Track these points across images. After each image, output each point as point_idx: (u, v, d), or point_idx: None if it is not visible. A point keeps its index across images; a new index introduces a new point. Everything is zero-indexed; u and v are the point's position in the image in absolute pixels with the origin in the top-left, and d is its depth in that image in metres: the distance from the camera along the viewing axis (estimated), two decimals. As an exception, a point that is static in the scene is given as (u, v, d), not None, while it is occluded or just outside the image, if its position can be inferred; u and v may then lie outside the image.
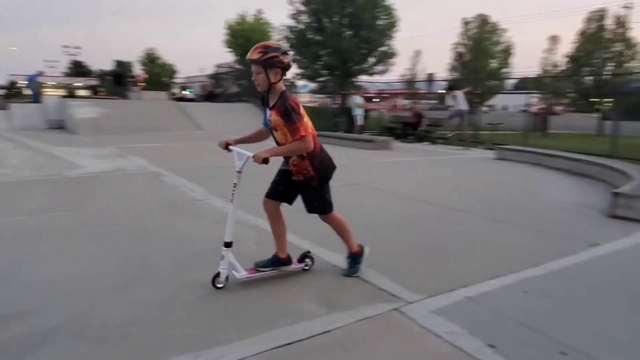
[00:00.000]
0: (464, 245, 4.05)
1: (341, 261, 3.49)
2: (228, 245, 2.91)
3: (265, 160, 2.67)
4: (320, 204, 3.08)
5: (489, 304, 2.82)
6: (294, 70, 26.67)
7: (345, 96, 19.62)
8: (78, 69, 49.28)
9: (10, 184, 6.13)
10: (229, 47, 33.26)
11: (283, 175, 3.11)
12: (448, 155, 11.35)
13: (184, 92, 31.10)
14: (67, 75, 45.57)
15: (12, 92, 35.52)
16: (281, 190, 3.11)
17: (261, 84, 2.83)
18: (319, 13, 21.72)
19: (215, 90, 27.41)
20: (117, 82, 24.96)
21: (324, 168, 3.01)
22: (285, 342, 2.31)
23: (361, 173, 7.89)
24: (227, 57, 33.56)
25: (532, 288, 3.09)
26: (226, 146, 3.13)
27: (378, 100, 28.92)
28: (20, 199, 5.37)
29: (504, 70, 29.56)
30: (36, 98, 17.57)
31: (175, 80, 47.30)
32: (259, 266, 3.10)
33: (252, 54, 2.75)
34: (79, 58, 50.01)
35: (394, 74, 32.38)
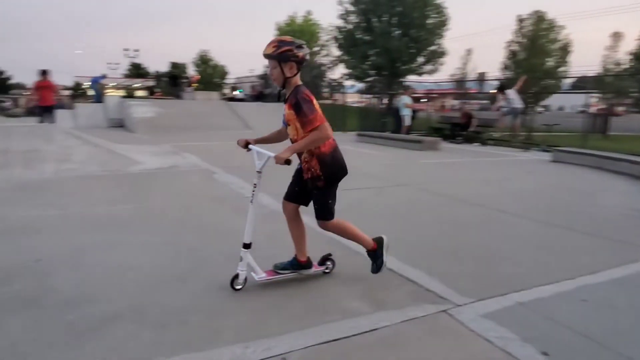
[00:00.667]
0: (516, 249, 3.93)
1: (389, 260, 3.48)
2: (247, 246, 2.89)
3: (288, 161, 2.61)
4: (319, 208, 2.93)
5: (543, 311, 2.73)
6: (341, 70, 26.77)
7: (392, 96, 19.45)
8: (137, 71, 51.77)
9: (78, 178, 6.56)
10: (278, 48, 33.76)
11: (298, 175, 3.04)
12: (499, 157, 10.99)
13: (234, 93, 31.96)
14: (127, 76, 47.98)
15: (78, 93, 37.90)
16: (296, 190, 3.04)
17: (277, 78, 2.78)
18: (368, 13, 21.64)
19: (264, 90, 27.94)
20: (172, 83, 26.04)
21: (333, 169, 2.86)
22: (331, 338, 2.34)
23: (408, 174, 7.81)
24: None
25: (590, 297, 2.96)
26: (246, 145, 3.08)
27: (426, 100, 28.45)
28: (86, 192, 5.74)
29: (561, 68, 28.22)
30: (99, 98, 18.68)
31: (227, 81, 48.61)
32: (278, 268, 3.05)
33: (267, 49, 2.70)
34: (137, 60, 52.48)
35: (443, 73, 31.73)
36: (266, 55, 2.72)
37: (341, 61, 24.37)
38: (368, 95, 23.68)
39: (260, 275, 2.94)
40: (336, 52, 25.03)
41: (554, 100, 40.06)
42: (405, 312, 2.64)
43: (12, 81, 59.27)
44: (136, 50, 48.95)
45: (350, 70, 23.15)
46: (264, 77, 29.78)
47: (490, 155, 11.27)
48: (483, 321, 2.56)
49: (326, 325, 2.48)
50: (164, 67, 47.06)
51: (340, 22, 22.93)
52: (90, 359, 2.12)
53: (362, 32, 22.31)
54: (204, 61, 50.79)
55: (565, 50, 28.33)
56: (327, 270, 3.22)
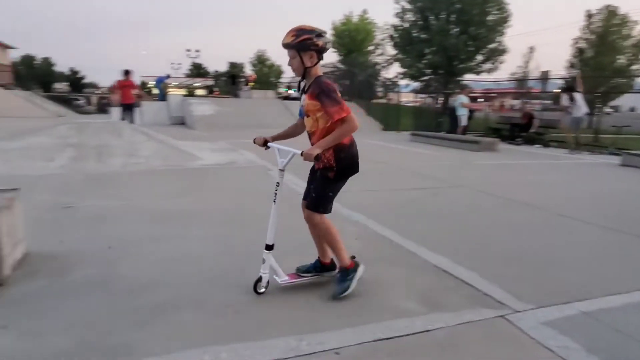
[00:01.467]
0: (580, 255, 3.73)
1: (443, 262, 3.43)
2: (269, 248, 2.81)
3: (318, 157, 2.53)
4: (317, 197, 2.78)
5: (610, 321, 2.58)
6: (396, 69, 26.48)
7: (448, 95, 18.98)
8: (197, 71, 53.88)
9: (144, 172, 6.96)
10: (333, 47, 33.88)
11: (312, 173, 2.94)
12: (563, 159, 10.44)
13: (289, 91, 32.45)
14: (188, 76, 50.05)
15: (143, 92, 39.92)
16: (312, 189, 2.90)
17: (296, 68, 2.67)
18: (425, 10, 21.24)
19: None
20: (231, 82, 26.87)
21: (347, 163, 2.74)
22: (385, 336, 2.34)
23: (464, 175, 7.60)
24: (331, 57, 34.19)
25: (664, 309, 2.76)
26: (264, 143, 2.97)
27: (484, 100, 27.48)
28: (151, 185, 6.07)
29: (633, 67, 26.28)
30: (162, 97, 19.64)
31: (282, 80, 49.43)
32: (301, 271, 2.98)
33: (286, 38, 2.59)
34: (198, 60, 54.58)
35: (504, 72, 30.45)
36: (285, 45, 2.61)
37: (396, 60, 24.08)
38: (423, 95, 23.25)
39: (283, 279, 2.86)
40: (391, 51, 24.76)
41: (625, 101, 37.42)
42: (461, 315, 2.59)
43: (85, 81, 63.57)
44: (197, 51, 50.85)
45: (406, 69, 22.82)
46: (318, 76, 29.96)
47: (552, 157, 10.73)
48: (544, 329, 2.46)
49: (379, 324, 2.48)
50: (222, 67, 48.67)
51: (396, 21, 22.66)
52: (157, 339, 2.26)
53: (418, 30, 21.94)
54: (260, 61, 51.98)
55: (638, 47, 26.36)
56: None
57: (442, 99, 19.90)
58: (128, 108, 12.37)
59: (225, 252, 3.59)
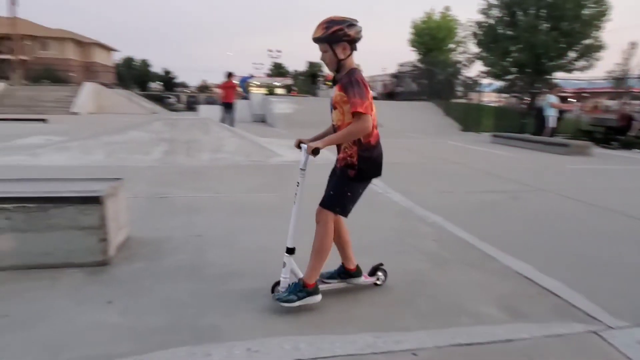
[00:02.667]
0: (688, 274, 3.37)
1: (525, 269, 3.29)
2: (290, 251, 2.69)
3: (315, 151, 2.44)
4: (333, 194, 2.64)
5: None
6: (479, 67, 25.39)
7: (535, 95, 17.85)
8: (277, 70, 55.59)
9: (228, 167, 7.37)
10: (413, 45, 33.27)
11: (332, 174, 2.80)
12: (669, 167, 9.41)
13: (366, 90, 32.41)
14: (269, 75, 51.79)
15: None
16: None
17: (329, 62, 2.52)
18: (513, 6, 20.13)
19: (395, 88, 27.79)
20: (312, 81, 27.46)
21: (371, 164, 2.59)
22: (464, 342, 2.30)
23: (550, 179, 7.14)
24: (411, 56, 33.63)
25: None
26: (298, 145, 2.83)
27: (575, 100, 25.49)
28: (235, 180, 6.41)
29: None
30: (245, 96, 20.56)
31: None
32: (324, 277, 2.85)
33: (316, 32, 2.45)
34: (279, 60, 56.29)
35: (599, 70, 27.93)
36: (316, 39, 2.47)
37: (479, 58, 23.08)
38: (506, 94, 22.08)
39: None
40: (474, 48, 23.76)
41: None
42: (547, 327, 2.47)
43: (177, 80, 68.21)
44: (279, 51, 52.50)
45: (489, 68, 21.79)
46: (396, 76, 29.66)
47: (656, 164, 9.72)
48: (642, 349, 2.28)
49: (458, 328, 2.44)
50: (301, 67, 49.72)
51: (480, 17, 21.71)
52: (242, 324, 2.41)
53: (504, 26, 20.83)
54: (338, 60, 52.30)
55: None
56: (378, 282, 2.95)
57: (528, 98, 18.78)
58: (229, 107, 13.10)
59: (304, 246, 3.70)
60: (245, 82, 22.47)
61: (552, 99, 13.61)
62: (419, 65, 28.19)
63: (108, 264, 3.11)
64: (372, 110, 2.46)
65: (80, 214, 2.99)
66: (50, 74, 35.19)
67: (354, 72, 2.47)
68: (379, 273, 2.97)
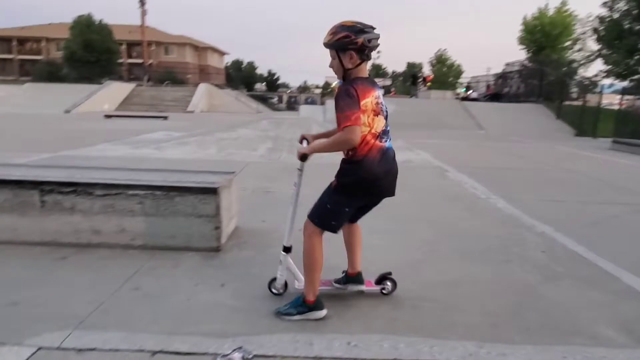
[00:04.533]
0: None
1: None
2: (287, 250, 2.63)
3: (303, 157, 2.35)
4: (317, 205, 2.48)
5: None
6: (599, 67, 22.95)
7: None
8: (376, 71, 55.56)
9: (329, 165, 7.48)
10: (522, 43, 31.19)
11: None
12: None
13: (468, 92, 31.08)
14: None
15: (327, 91, 43.15)
16: None
17: (336, 71, 2.35)
18: (646, -4, 17.94)
19: (501, 89, 26.30)
20: (413, 82, 27.12)
21: (356, 179, 2.35)
22: (579, 363, 2.14)
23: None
24: (519, 54, 31.54)
25: None
26: (301, 141, 2.71)
27: None
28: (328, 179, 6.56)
29: None
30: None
31: (461, 80, 47.62)
32: (336, 281, 2.76)
33: (325, 37, 2.29)
34: (378, 61, 56.20)
35: None
36: (324, 45, 2.32)
37: (600, 56, 20.90)
38: (631, 96, 19.71)
39: (301, 284, 2.62)
40: (594, 46, 21.57)
41: None
42: (681, 358, 2.20)
43: (279, 81, 71.49)
44: (378, 52, 52.28)
45: (611, 67, 19.64)
46: (501, 75, 28.04)
47: None
48: None
49: (569, 347, 2.27)
50: (401, 68, 49.18)
51: (603, 11, 19.66)
52: (341, 319, 2.48)
53: (632, 21, 18.64)
54: (439, 60, 50.86)
55: None
56: (384, 291, 2.78)
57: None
58: None
59: (402, 247, 3.71)
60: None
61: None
62: (529, 64, 26.31)
63: (220, 250, 3.39)
64: (360, 120, 2.20)
65: (200, 203, 3.30)
66: (171, 76, 38.91)
67: (352, 81, 2.26)
68: (387, 282, 2.79)
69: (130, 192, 3.31)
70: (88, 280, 2.85)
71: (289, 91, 60.86)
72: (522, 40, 31.18)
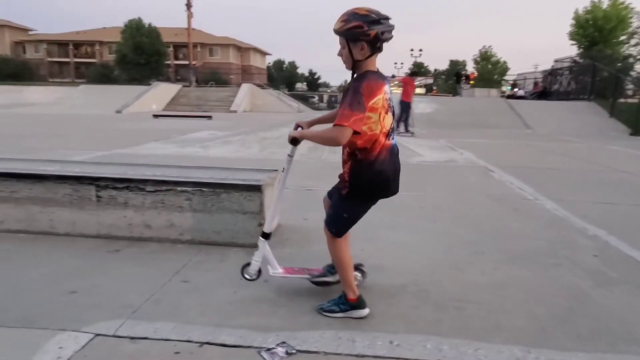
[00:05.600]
0: None
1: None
2: (265, 236, 2.60)
3: (294, 141, 2.31)
4: (333, 216, 2.44)
5: None
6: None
7: None
8: (418, 70, 54.80)
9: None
10: (573, 39, 29.85)
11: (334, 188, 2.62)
12: None
13: (514, 90, 30.07)
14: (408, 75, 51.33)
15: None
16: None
17: (345, 61, 2.25)
18: None
19: (549, 87, 25.28)
20: (457, 80, 26.60)
21: (366, 182, 2.31)
22: (632, 373, 2.04)
23: None
24: (570, 50, 30.20)
25: None
26: (296, 128, 2.63)
27: None
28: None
29: None
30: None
31: (506, 78, 46.18)
32: (316, 276, 2.71)
33: (335, 23, 2.17)
34: (420, 59, 55.40)
35: None
36: (335, 32, 2.20)
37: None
38: None
39: (276, 271, 2.64)
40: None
41: None
42: None
43: (320, 81, 71.86)
44: (420, 50, 51.60)
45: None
46: (550, 73, 26.96)
47: None
48: None
49: (627, 356, 2.17)
50: (443, 65, 48.29)
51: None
52: (381, 317, 2.47)
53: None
54: (484, 58, 49.49)
55: None
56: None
57: None
58: (407, 106, 13.12)
59: (445, 247, 3.64)
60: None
61: None
62: (580, 60, 25.13)
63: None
64: (373, 126, 2.18)
65: (245, 200, 3.39)
66: (215, 77, 39.93)
67: (364, 76, 2.18)
68: (357, 273, 2.72)
69: (180, 188, 3.44)
70: (140, 272, 2.99)
71: (330, 90, 61.05)
72: (573, 36, 29.83)
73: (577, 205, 5.06)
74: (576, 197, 5.51)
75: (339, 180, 2.45)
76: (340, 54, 2.26)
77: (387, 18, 2.15)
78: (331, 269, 2.71)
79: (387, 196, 2.43)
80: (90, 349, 2.11)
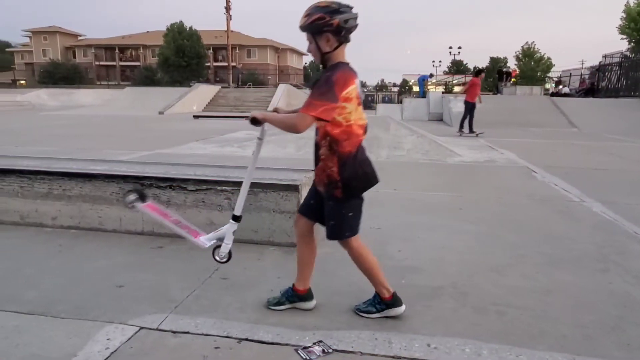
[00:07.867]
0: None
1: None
2: (236, 218, 2.46)
3: (254, 121, 2.23)
4: (337, 224, 2.32)
5: None
6: None
7: None
8: (457, 68, 53.65)
9: (406, 164, 7.51)
10: (623, 33, 28.40)
11: (313, 186, 2.46)
12: None
13: (559, 87, 28.91)
14: (447, 73, 50.36)
15: (404, 90, 42.47)
16: (312, 204, 2.43)
17: (314, 55, 2.23)
18: None
19: (597, 84, 24.16)
20: (499, 78, 25.91)
21: (356, 175, 2.24)
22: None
23: None
24: (620, 45, 28.76)
25: None
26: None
27: None
28: (413, 177, 6.50)
29: None
30: (423, 94, 20.47)
31: (550, 74, 44.49)
32: (271, 304, 2.52)
33: (300, 20, 2.16)
34: (459, 57, 54.23)
35: None
36: (300, 28, 2.19)
37: None
38: None
39: (201, 242, 2.50)
40: None
41: None
42: None
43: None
44: (459, 48, 50.41)
45: None
46: (598, 69, 25.74)
47: None
48: None
49: (680, 368, 2.06)
50: (483, 63, 47.06)
51: None
52: (420, 319, 2.45)
53: None
54: (526, 54, 47.86)
55: None
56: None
57: None
58: (471, 106, 12.56)
59: (485, 249, 3.57)
60: (424, 80, 22.40)
61: None
62: (630, 55, 23.84)
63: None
64: (335, 113, 2.13)
65: (282, 199, 3.43)
66: (252, 78, 40.57)
67: (336, 67, 2.16)
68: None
69: (219, 187, 3.53)
70: (181, 268, 3.09)
71: (366, 90, 60.72)
72: (623, 29, 28.34)
73: (627, 208, 4.82)
74: (627, 199, 5.24)
75: (320, 184, 2.32)
76: (309, 50, 2.25)
77: (349, 7, 2.14)
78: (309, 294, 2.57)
79: (373, 185, 2.37)
80: (135, 340, 2.20)
